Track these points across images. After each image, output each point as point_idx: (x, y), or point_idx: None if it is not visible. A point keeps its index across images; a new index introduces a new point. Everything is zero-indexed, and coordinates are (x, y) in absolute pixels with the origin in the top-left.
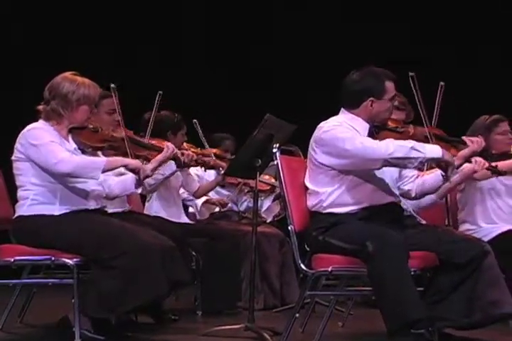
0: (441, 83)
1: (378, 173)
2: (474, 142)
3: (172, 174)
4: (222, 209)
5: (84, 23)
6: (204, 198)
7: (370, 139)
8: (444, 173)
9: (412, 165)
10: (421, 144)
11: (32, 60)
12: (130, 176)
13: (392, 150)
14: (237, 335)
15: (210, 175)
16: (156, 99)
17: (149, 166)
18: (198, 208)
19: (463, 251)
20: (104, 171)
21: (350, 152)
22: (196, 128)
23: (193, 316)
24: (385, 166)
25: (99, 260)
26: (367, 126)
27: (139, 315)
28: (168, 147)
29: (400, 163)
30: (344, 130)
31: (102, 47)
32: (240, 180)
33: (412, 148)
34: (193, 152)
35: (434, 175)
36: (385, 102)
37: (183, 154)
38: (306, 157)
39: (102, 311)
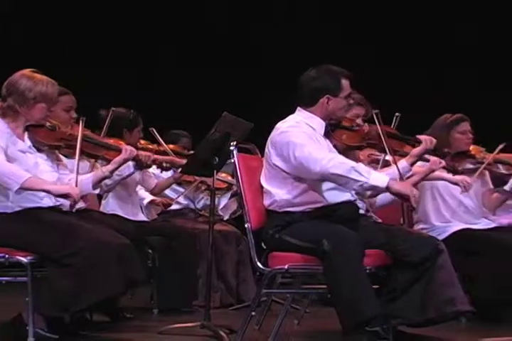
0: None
1: None
2: (427, 140)
3: (130, 175)
4: (172, 207)
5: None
6: (149, 199)
7: (321, 149)
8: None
9: (350, 186)
10: (368, 169)
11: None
12: (88, 176)
13: (330, 165)
14: (193, 333)
15: (167, 173)
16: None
17: (109, 167)
18: (144, 208)
19: (417, 249)
20: (22, 188)
21: (297, 158)
22: (154, 134)
23: (148, 314)
24: (325, 180)
25: (54, 258)
26: (323, 124)
27: (94, 314)
28: (127, 150)
29: (337, 180)
30: (299, 134)
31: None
32: (196, 177)
33: (354, 168)
34: (149, 149)
35: (390, 174)
36: (341, 100)
37: (141, 154)
38: (263, 155)
39: (57, 310)
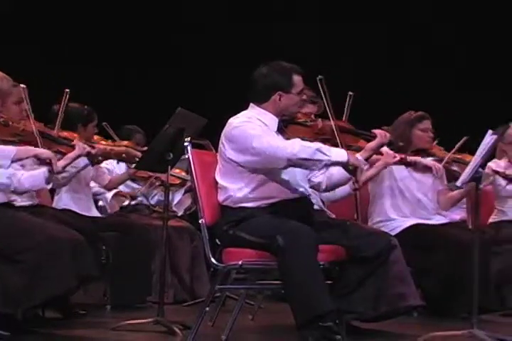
0: (350, 93)
1: (290, 168)
2: (381, 134)
3: (85, 167)
4: (132, 202)
5: None
6: (114, 191)
7: (278, 138)
8: (350, 176)
9: (316, 167)
10: (327, 147)
11: None
12: (41, 171)
13: (296, 150)
14: (146, 329)
15: (121, 168)
16: (64, 96)
17: (61, 163)
18: (108, 201)
19: (370, 245)
20: (13, 161)
21: (256, 150)
22: (107, 129)
23: (102, 310)
24: (290, 166)
25: (6, 254)
26: (276, 120)
27: (46, 310)
28: (79, 147)
29: (304, 163)
30: (254, 127)
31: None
32: (150, 173)
33: (318, 150)
34: (103, 145)
35: (340, 173)
36: (293, 96)
37: (94, 147)
38: (217, 151)
39: (8, 306)
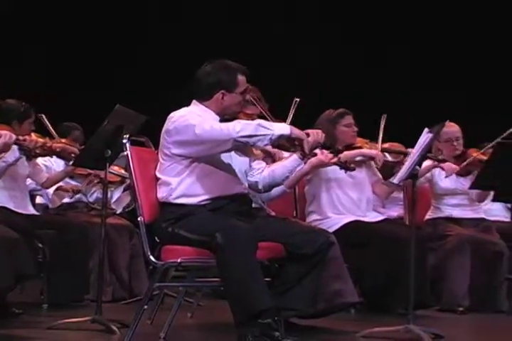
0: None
1: (228, 164)
2: (314, 133)
3: (16, 161)
4: (73, 198)
5: None
6: (55, 186)
7: (219, 123)
8: (300, 152)
9: (262, 142)
10: (268, 122)
11: None
12: None
13: (239, 128)
14: (83, 328)
15: (59, 165)
16: None
17: None
18: (50, 197)
19: (309, 242)
20: None
21: (200, 136)
22: (43, 121)
23: (38, 309)
24: (237, 145)
25: None
26: (217, 118)
27: None
28: (5, 134)
29: (249, 141)
30: (194, 117)
31: None
32: (89, 170)
33: (259, 125)
34: (41, 142)
35: (284, 166)
36: (236, 96)
37: (25, 140)
38: (156, 148)
39: None
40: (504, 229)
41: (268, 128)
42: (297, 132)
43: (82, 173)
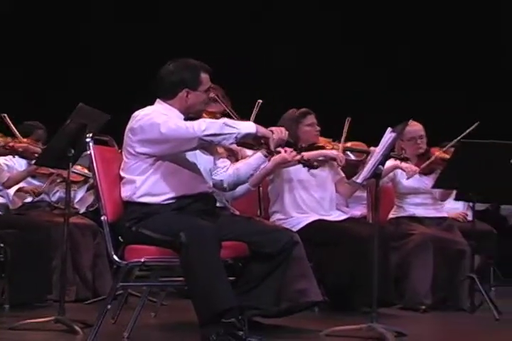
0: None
1: (193, 163)
2: (277, 130)
3: None
4: (35, 199)
5: None
6: (16, 187)
7: (184, 121)
8: (266, 149)
9: (227, 141)
10: (234, 121)
11: None
12: None
13: (204, 127)
14: (46, 328)
15: (21, 165)
16: None
17: None
18: (10, 197)
19: (273, 241)
20: None
21: (165, 135)
22: (5, 120)
23: (0, 310)
24: (203, 144)
25: None
26: (182, 117)
27: None
28: None
29: (214, 139)
30: (159, 115)
31: None
32: (51, 170)
33: (225, 124)
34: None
35: (247, 164)
36: (200, 94)
37: None
38: (120, 147)
39: None
40: (466, 227)
41: (234, 127)
42: (263, 130)
43: (44, 173)
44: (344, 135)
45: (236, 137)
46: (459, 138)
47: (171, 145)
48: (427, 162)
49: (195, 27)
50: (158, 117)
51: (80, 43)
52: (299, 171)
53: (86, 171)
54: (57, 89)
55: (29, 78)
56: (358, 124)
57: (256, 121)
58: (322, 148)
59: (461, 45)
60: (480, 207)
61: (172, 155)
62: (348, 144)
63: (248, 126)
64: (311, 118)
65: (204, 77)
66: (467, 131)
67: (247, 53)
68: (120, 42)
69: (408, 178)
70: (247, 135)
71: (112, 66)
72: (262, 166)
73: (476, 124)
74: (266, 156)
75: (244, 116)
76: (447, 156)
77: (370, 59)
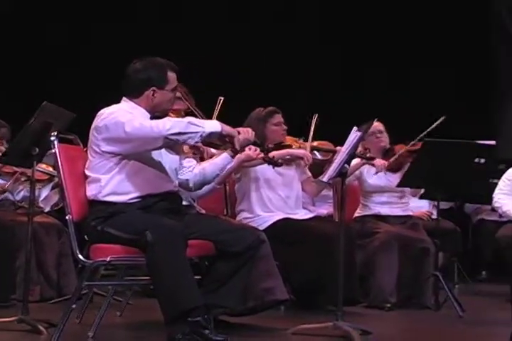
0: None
1: (158, 162)
2: (244, 131)
3: None
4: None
5: None
6: None
7: (149, 120)
8: (231, 148)
9: (192, 140)
10: (199, 120)
11: None
12: None
13: (169, 126)
14: (10, 328)
15: None
16: None
17: None
18: None
19: (239, 239)
20: None
21: (130, 134)
22: None
23: None
24: (168, 143)
25: None
26: (148, 116)
27: None
28: None
29: (179, 138)
30: (124, 114)
31: None
32: (16, 168)
33: (190, 122)
34: None
35: (215, 163)
36: (167, 93)
37: None
38: (85, 146)
39: None
40: (430, 225)
41: (199, 126)
42: (228, 129)
43: (8, 171)
44: (311, 133)
45: (201, 136)
46: (424, 133)
47: (135, 144)
48: (395, 156)
49: (161, 26)
50: (123, 116)
51: (46, 43)
52: (265, 170)
53: (51, 170)
54: (21, 87)
55: None
56: (326, 123)
57: (222, 120)
58: (289, 147)
59: (425, 44)
60: (444, 205)
61: (137, 154)
62: (315, 143)
63: (213, 125)
64: (278, 118)
65: (171, 75)
66: (432, 126)
67: (212, 52)
68: (88, 42)
69: (377, 173)
70: (212, 134)
71: (78, 65)
72: (228, 166)
73: (441, 119)
74: (232, 157)
75: (207, 114)
76: (414, 148)
77: (342, 58)
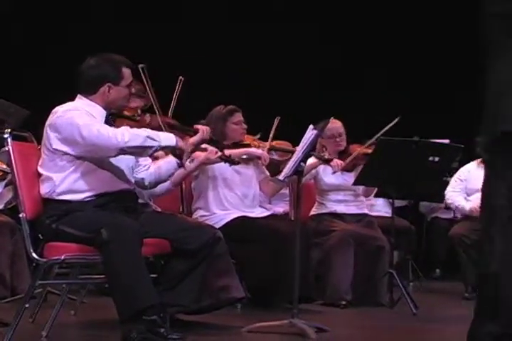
0: (181, 77)
1: (114, 160)
2: (203, 130)
3: None
4: None
5: None
6: None
7: (107, 127)
8: (179, 161)
9: (147, 153)
10: (156, 133)
11: None
12: None
13: (127, 139)
14: None
15: None
16: None
17: None
18: None
19: (195, 237)
20: None
21: (86, 139)
22: None
23: None
24: (121, 154)
25: None
26: (104, 112)
27: None
28: None
29: (135, 151)
30: (81, 115)
31: None
32: None
33: (148, 136)
34: None
35: (168, 162)
36: (122, 89)
37: None
38: (39, 143)
39: None
40: (385, 224)
41: (155, 140)
42: (181, 144)
43: None
44: (272, 134)
45: (156, 149)
46: (379, 133)
47: (88, 149)
48: (350, 157)
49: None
50: (80, 117)
51: (12, 43)
52: (224, 169)
53: (5, 167)
54: None
55: None
56: (287, 123)
57: (183, 117)
58: (247, 146)
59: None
60: (399, 203)
61: (84, 158)
62: (273, 143)
63: (169, 139)
64: (238, 116)
65: (125, 71)
66: (387, 126)
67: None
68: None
69: (334, 172)
70: (166, 147)
71: (35, 62)
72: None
73: (396, 120)
74: (178, 167)
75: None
76: (369, 151)
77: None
